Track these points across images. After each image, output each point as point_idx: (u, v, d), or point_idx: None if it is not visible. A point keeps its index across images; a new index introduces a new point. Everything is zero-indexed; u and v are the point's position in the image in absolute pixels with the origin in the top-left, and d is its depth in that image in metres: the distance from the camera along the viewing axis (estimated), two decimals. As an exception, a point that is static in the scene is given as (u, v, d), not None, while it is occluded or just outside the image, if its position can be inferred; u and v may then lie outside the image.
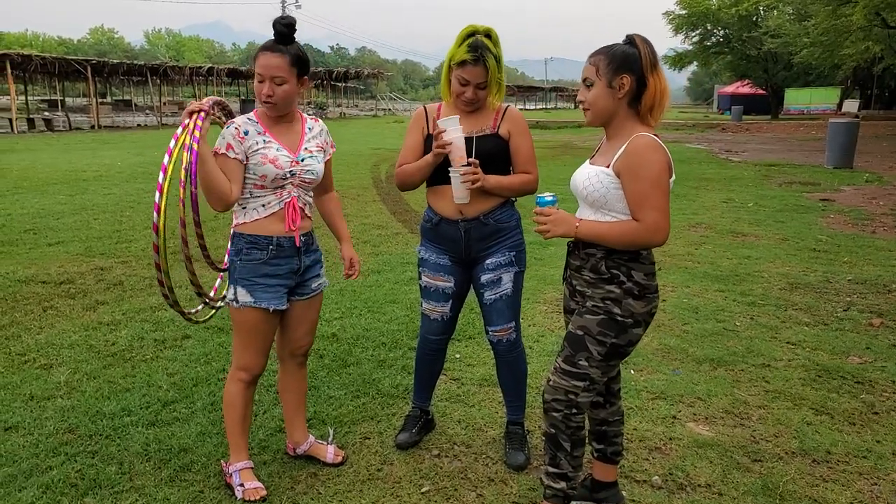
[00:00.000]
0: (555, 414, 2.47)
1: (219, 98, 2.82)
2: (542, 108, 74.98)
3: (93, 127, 32.26)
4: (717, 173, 14.08)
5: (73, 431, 3.31)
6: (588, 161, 2.52)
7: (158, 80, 39.82)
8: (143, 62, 39.94)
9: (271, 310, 2.74)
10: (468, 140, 2.85)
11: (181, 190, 2.82)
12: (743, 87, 51.57)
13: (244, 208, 2.76)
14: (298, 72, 2.69)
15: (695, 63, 49.03)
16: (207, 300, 3.03)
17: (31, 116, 32.68)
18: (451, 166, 2.83)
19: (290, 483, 2.93)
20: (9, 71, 29.92)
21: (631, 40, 2.36)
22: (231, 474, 2.85)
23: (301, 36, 2.77)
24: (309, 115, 2.95)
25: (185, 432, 3.30)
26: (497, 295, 3.00)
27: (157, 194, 2.39)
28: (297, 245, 2.78)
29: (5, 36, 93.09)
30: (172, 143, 2.43)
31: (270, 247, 2.73)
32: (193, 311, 2.97)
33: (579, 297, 2.51)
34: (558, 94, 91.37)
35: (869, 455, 3.16)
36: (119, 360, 4.21)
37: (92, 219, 8.78)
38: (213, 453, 3.12)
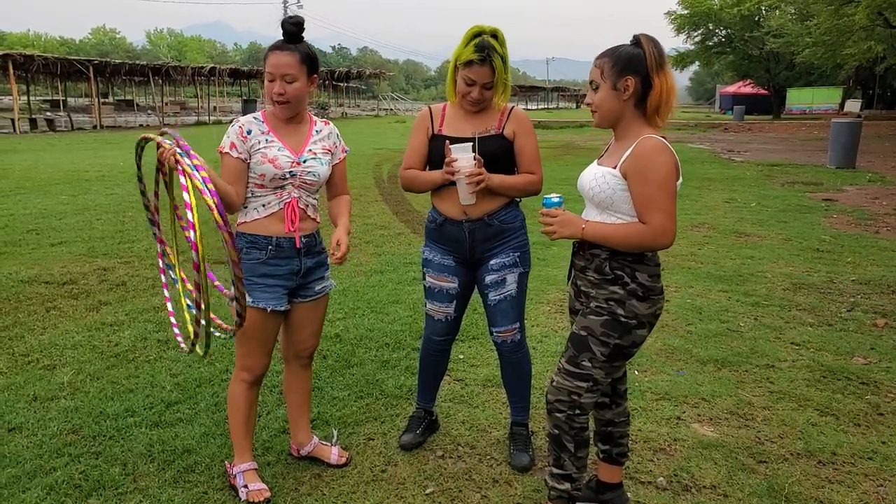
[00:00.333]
0: (558, 415, 2.47)
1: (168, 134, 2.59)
2: (544, 109, 74.90)
3: (95, 127, 32.27)
4: (719, 173, 14.07)
5: (76, 432, 3.31)
6: (596, 161, 2.51)
7: (160, 80, 39.82)
8: (144, 62, 40.00)
9: (269, 310, 2.74)
10: (471, 140, 2.85)
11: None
12: (745, 87, 51.54)
13: (245, 207, 2.77)
14: (308, 70, 2.70)
15: (697, 63, 48.94)
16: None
17: (34, 117, 32.72)
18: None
19: (295, 484, 2.92)
20: (11, 71, 29.95)
21: (637, 40, 2.35)
22: (235, 475, 2.84)
23: (304, 36, 2.77)
24: (320, 118, 2.94)
25: (189, 433, 3.29)
26: (501, 296, 2.99)
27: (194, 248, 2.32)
28: (298, 246, 2.77)
29: (7, 36, 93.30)
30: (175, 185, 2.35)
31: (269, 247, 2.72)
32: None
33: (584, 298, 2.51)
34: (560, 95, 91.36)
35: (875, 456, 3.15)
36: (122, 360, 4.21)
37: (94, 219, 8.78)
38: (217, 454, 3.11)
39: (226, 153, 2.71)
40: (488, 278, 3.01)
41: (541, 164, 3.02)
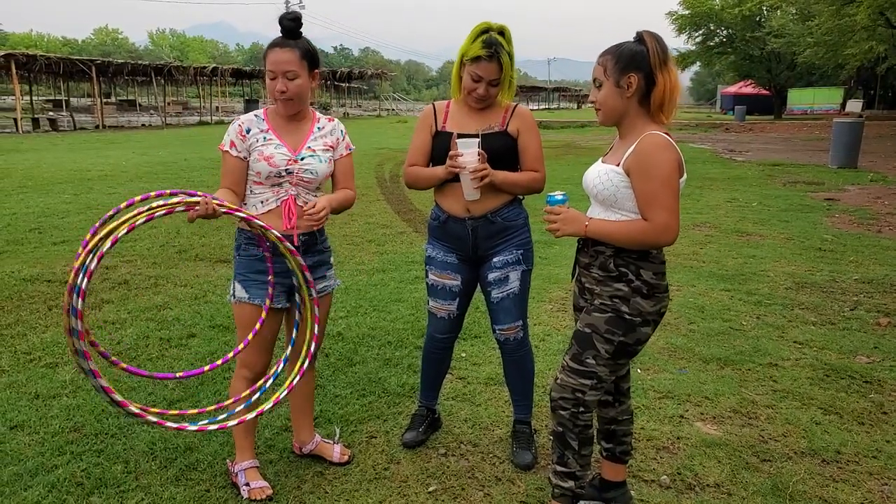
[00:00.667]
0: (562, 412, 2.46)
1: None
2: (545, 109, 74.87)
3: (97, 127, 32.28)
4: (720, 173, 14.05)
5: (78, 430, 3.31)
6: (600, 159, 2.51)
7: (163, 81, 39.82)
8: (147, 62, 39.97)
9: (263, 306, 2.73)
10: (475, 136, 2.84)
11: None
12: (746, 88, 51.44)
13: (244, 204, 2.77)
14: (309, 65, 2.69)
15: (698, 63, 48.87)
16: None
17: (36, 116, 32.70)
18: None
19: (297, 482, 2.92)
20: (14, 71, 29.97)
21: (640, 37, 2.34)
22: (237, 473, 2.84)
23: (305, 35, 2.76)
24: (327, 116, 2.92)
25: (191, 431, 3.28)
26: (504, 293, 2.99)
27: None
28: (296, 244, 2.75)
29: (10, 36, 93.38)
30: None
31: (267, 243, 2.72)
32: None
33: (588, 295, 2.50)
34: (561, 95, 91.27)
35: (879, 455, 3.14)
36: (124, 358, 4.19)
37: (97, 218, 8.66)
38: (219, 452, 3.11)
39: (226, 151, 2.73)
40: (491, 276, 3.00)
41: (544, 161, 3.01)
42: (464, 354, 4.26)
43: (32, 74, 37.06)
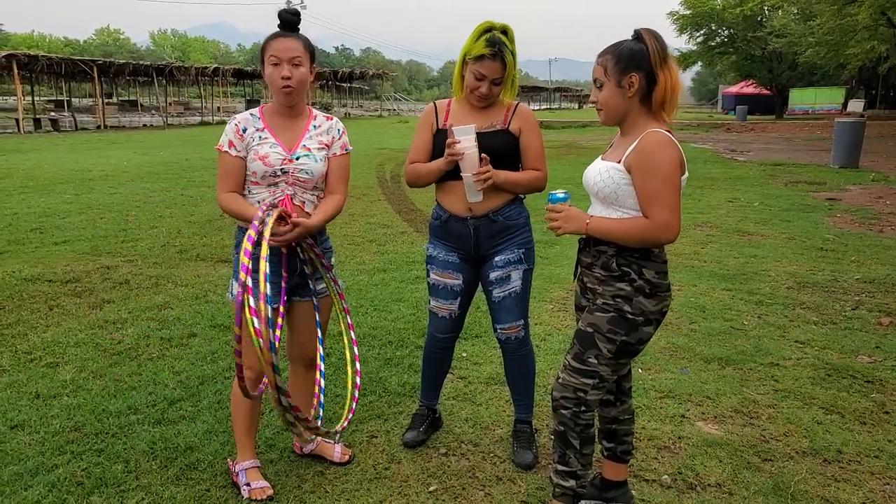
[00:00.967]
0: (564, 411, 2.45)
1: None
2: (547, 109, 74.86)
3: (99, 127, 32.30)
4: (722, 173, 14.04)
5: (79, 430, 3.30)
6: (600, 157, 2.50)
7: (164, 81, 39.85)
8: (148, 63, 40.00)
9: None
10: (477, 135, 2.83)
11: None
12: (747, 87, 51.40)
13: None
14: (311, 58, 2.69)
15: (699, 63, 48.84)
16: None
17: (38, 117, 32.72)
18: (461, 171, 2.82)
19: (297, 482, 2.91)
20: (15, 71, 30.00)
21: (638, 35, 2.34)
22: (237, 473, 2.83)
23: (306, 35, 2.76)
24: (326, 114, 2.91)
25: (192, 431, 3.28)
26: (506, 292, 2.98)
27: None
28: (293, 244, 2.74)
29: (12, 37, 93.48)
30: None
31: (263, 243, 2.71)
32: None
33: (590, 295, 2.49)
34: (562, 95, 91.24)
35: (881, 454, 3.13)
36: (125, 358, 4.20)
37: (98, 218, 8.78)
38: (220, 452, 3.10)
39: (225, 152, 2.69)
40: (493, 275, 2.99)
41: (545, 160, 3.01)
42: (465, 354, 4.26)
43: (34, 75, 37.08)
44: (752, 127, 33.14)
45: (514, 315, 3.01)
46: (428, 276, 3.13)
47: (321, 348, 2.94)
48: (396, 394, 3.74)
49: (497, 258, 2.98)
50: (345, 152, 2.88)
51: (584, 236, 2.48)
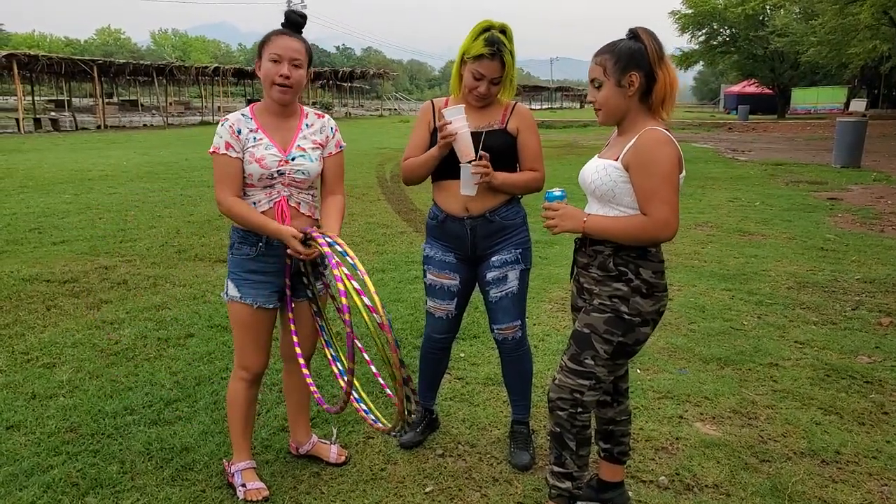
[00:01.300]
0: (560, 413, 2.44)
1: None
2: (548, 108, 74.80)
3: (99, 127, 32.31)
4: (723, 172, 14.02)
5: (74, 430, 3.30)
6: (597, 156, 2.49)
7: (164, 81, 39.85)
8: (149, 62, 39.97)
9: (255, 306, 2.71)
10: (476, 135, 2.82)
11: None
12: (749, 87, 51.33)
13: None
14: (309, 61, 2.68)
15: (701, 62, 48.81)
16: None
17: (38, 116, 32.73)
18: (458, 161, 2.80)
19: (293, 483, 2.90)
20: (16, 71, 30.01)
21: (635, 34, 2.32)
22: (233, 474, 2.82)
23: (306, 35, 2.75)
24: (316, 111, 2.90)
25: (188, 431, 3.27)
26: (503, 292, 2.97)
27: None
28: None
29: (13, 37, 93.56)
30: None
31: (260, 244, 2.69)
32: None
33: (587, 295, 2.48)
34: (563, 94, 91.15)
35: (879, 455, 3.12)
36: (122, 358, 4.20)
37: (97, 218, 8.77)
38: (216, 452, 3.09)
39: (223, 154, 2.63)
40: (489, 275, 2.98)
41: (543, 161, 2.99)
42: (462, 354, 4.24)
43: (34, 75, 37.07)
44: (753, 126, 33.10)
45: (510, 315, 3.00)
46: (425, 276, 3.12)
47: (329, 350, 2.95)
48: (394, 394, 3.72)
49: (494, 258, 2.97)
50: (339, 150, 2.87)
51: (580, 236, 2.47)
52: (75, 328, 4.70)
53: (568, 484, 2.51)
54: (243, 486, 2.77)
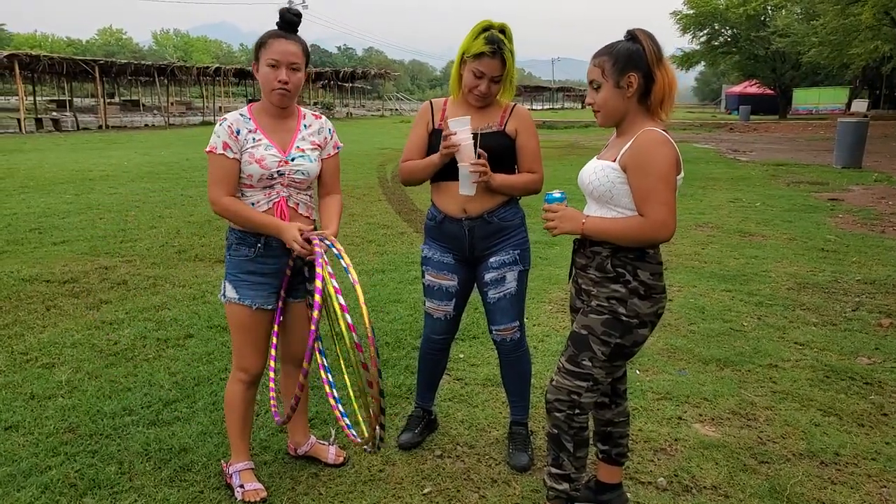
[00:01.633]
0: (557, 414, 2.44)
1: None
2: (549, 108, 74.82)
3: (100, 127, 32.33)
4: (724, 173, 14.01)
5: (73, 431, 3.29)
6: (596, 157, 2.49)
7: (166, 81, 39.88)
8: (150, 62, 40.01)
9: (254, 307, 2.71)
10: (474, 136, 2.82)
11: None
12: (751, 87, 51.26)
13: None
14: (306, 62, 2.68)
15: (702, 63, 48.78)
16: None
17: (40, 116, 32.75)
18: (457, 162, 2.80)
19: (291, 484, 2.90)
20: (17, 71, 30.06)
21: (633, 35, 2.32)
22: (231, 475, 2.82)
23: (308, 36, 2.75)
24: (313, 112, 2.90)
25: (186, 432, 3.27)
26: (501, 293, 2.97)
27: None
28: (287, 246, 2.71)
29: (14, 37, 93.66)
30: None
31: (258, 245, 2.69)
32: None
33: (585, 297, 2.48)
34: (565, 95, 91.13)
35: (878, 457, 3.11)
36: (121, 359, 4.19)
37: (97, 218, 8.78)
38: (214, 453, 3.09)
39: (220, 154, 2.62)
40: (488, 276, 2.98)
41: (542, 162, 2.99)
42: (461, 355, 4.24)
43: (36, 75, 37.08)
44: (754, 127, 33.08)
45: (509, 316, 2.99)
46: (423, 277, 3.12)
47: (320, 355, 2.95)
48: (392, 395, 3.72)
49: (492, 259, 2.97)
50: (336, 151, 2.88)
51: (578, 237, 2.47)
52: (75, 328, 4.70)
53: (565, 485, 2.50)
54: (241, 486, 2.77)
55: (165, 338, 4.53)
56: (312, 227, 2.81)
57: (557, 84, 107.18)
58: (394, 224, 8.70)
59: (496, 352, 3.18)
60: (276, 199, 2.69)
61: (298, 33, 2.70)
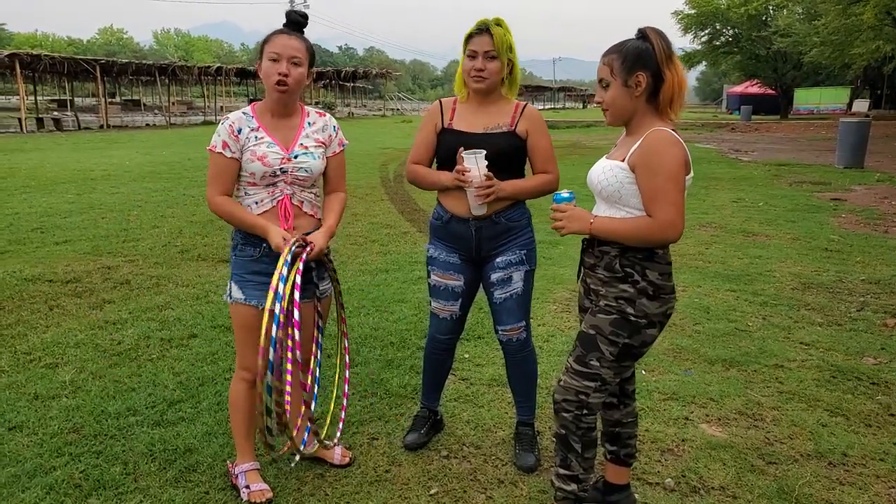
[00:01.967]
0: (565, 415, 2.42)
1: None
2: (551, 108, 74.81)
3: (102, 127, 32.33)
4: (726, 173, 13.99)
5: (77, 431, 3.28)
6: (605, 157, 2.47)
7: (167, 80, 39.91)
8: (151, 62, 40.01)
9: (260, 308, 2.69)
10: (481, 136, 2.82)
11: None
12: (752, 87, 51.25)
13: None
14: (310, 60, 2.67)
15: (704, 63, 48.78)
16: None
17: (41, 116, 32.77)
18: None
19: (297, 484, 2.89)
20: (18, 71, 30.06)
21: (643, 34, 2.31)
22: (237, 475, 2.81)
23: (309, 36, 2.74)
24: (317, 109, 2.89)
25: (191, 432, 3.26)
26: (507, 294, 2.95)
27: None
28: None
29: (15, 36, 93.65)
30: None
31: (263, 245, 2.68)
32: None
33: (593, 296, 2.46)
34: (566, 94, 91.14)
35: (886, 457, 3.10)
36: (125, 359, 4.18)
37: (99, 218, 8.77)
38: (219, 454, 3.08)
39: (218, 153, 2.63)
40: (494, 276, 2.96)
41: (556, 162, 2.97)
42: (467, 355, 4.23)
43: (37, 74, 37.14)
44: (756, 127, 33.07)
45: (515, 317, 2.98)
46: (429, 277, 3.10)
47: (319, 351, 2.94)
48: (397, 395, 3.71)
49: (498, 259, 2.95)
50: (342, 149, 2.88)
51: (587, 237, 2.45)
52: (78, 328, 4.68)
53: (573, 486, 2.49)
54: (247, 487, 2.76)
55: (169, 338, 4.52)
56: (317, 226, 2.79)
57: (559, 84, 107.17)
58: (397, 224, 8.68)
59: (502, 352, 3.16)
60: (280, 197, 2.68)
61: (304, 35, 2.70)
